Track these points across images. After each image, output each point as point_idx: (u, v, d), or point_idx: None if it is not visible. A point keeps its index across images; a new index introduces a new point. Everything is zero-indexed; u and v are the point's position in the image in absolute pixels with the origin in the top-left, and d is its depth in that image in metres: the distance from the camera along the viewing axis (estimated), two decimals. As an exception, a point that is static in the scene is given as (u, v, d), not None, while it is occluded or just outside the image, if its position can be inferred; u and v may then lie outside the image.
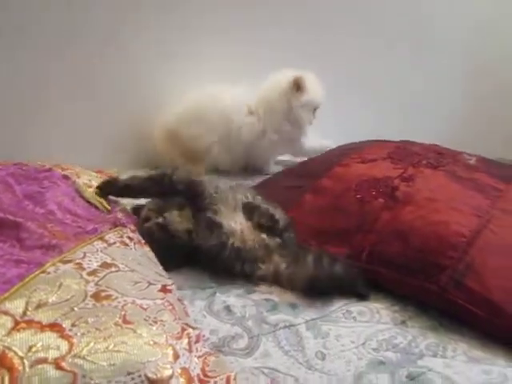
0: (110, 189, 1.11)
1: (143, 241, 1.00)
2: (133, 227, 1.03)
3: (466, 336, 0.90)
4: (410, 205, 1.08)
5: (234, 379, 0.72)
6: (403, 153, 1.31)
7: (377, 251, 1.03)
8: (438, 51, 2.06)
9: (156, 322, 0.72)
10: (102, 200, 1.08)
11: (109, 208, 1.05)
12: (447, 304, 0.94)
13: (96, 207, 1.05)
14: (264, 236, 1.05)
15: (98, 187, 1.10)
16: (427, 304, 0.97)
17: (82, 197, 1.04)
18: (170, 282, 0.90)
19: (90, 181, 1.14)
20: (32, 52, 1.51)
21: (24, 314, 0.65)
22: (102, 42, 1.58)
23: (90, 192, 1.08)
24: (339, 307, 0.96)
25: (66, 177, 1.07)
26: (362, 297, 1.00)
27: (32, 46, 1.50)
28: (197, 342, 0.76)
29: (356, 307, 0.97)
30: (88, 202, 1.04)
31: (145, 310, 0.73)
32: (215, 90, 1.65)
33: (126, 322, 0.69)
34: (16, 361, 0.59)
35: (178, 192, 1.10)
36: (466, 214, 1.03)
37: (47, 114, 1.56)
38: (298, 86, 1.61)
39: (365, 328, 0.91)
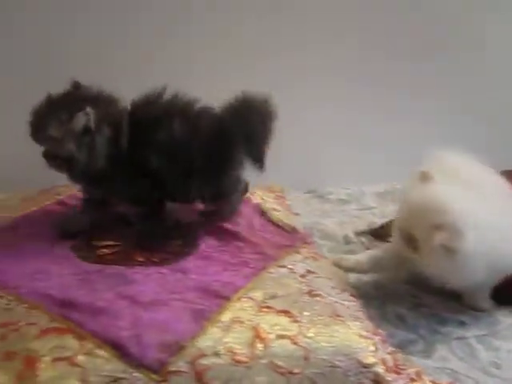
0: None
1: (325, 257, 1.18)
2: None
3: None
4: None
5: (423, 373, 0.85)
6: None
7: None
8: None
9: (356, 319, 0.88)
10: (284, 221, 1.27)
11: (292, 227, 1.23)
12: None
13: (281, 227, 1.23)
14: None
15: None
16: None
17: (265, 217, 1.23)
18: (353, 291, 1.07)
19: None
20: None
21: (263, 301, 0.85)
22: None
23: (275, 215, 1.27)
24: (508, 325, 1.04)
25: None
26: None
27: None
28: (384, 341, 0.91)
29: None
30: (271, 221, 1.22)
31: (348, 308, 0.90)
32: None
33: (337, 315, 0.85)
34: (263, 334, 0.78)
35: None
36: None
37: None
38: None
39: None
